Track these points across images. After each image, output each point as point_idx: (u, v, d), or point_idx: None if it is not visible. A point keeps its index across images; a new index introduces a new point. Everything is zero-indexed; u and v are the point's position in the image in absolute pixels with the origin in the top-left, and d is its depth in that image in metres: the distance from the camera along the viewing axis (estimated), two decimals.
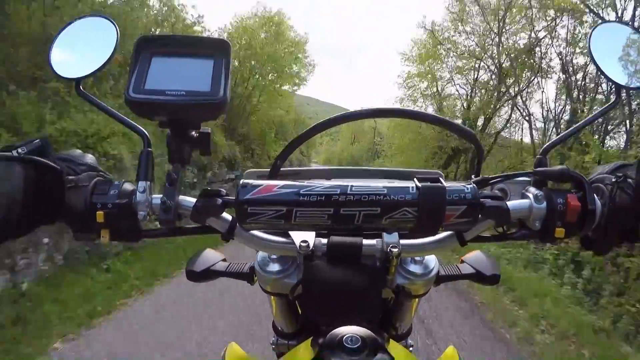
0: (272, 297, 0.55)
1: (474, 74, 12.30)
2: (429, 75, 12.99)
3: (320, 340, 0.38)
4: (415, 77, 13.33)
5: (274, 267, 0.51)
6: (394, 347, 0.43)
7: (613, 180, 0.46)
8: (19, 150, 0.43)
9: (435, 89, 13.23)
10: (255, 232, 0.48)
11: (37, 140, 0.45)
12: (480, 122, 11.72)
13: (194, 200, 0.46)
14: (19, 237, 0.44)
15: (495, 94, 11.19)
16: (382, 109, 0.52)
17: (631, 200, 0.44)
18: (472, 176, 0.50)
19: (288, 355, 0.48)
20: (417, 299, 0.55)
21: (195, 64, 0.47)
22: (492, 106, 11.15)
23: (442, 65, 12.81)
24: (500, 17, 10.51)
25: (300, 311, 0.57)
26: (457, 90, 12.93)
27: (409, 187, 0.41)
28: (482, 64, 11.70)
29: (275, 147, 12.95)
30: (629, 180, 0.45)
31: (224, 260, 0.60)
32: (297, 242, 0.47)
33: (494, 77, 11.42)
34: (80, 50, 0.56)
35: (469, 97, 12.55)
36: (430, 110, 12.87)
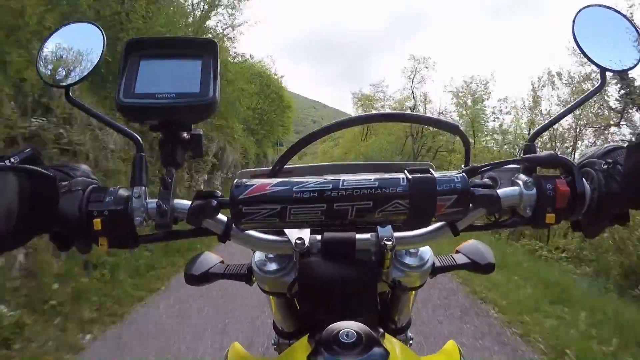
0: (271, 296, 0.55)
1: None
2: None
3: (316, 336, 0.39)
4: None
5: (271, 266, 0.52)
6: (389, 341, 0.43)
7: (603, 166, 0.46)
8: (11, 159, 0.43)
9: None
10: (251, 232, 0.49)
11: (28, 150, 0.45)
12: None
13: (189, 203, 0.46)
14: (15, 248, 0.45)
15: None
16: (373, 114, 0.54)
17: (621, 186, 0.44)
18: (462, 166, 0.50)
19: (286, 353, 0.48)
20: (414, 292, 0.56)
21: (184, 65, 0.47)
22: None
23: None
24: None
25: (299, 309, 0.58)
26: None
27: (399, 178, 0.41)
28: None
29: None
30: (619, 166, 0.45)
31: (222, 262, 0.60)
32: (293, 240, 0.47)
33: None
34: (68, 57, 0.56)
35: None
36: None
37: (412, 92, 21.42)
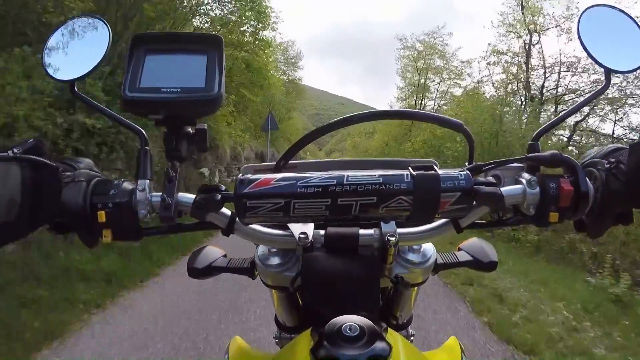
0: (274, 290, 0.55)
1: None
2: None
3: (319, 329, 0.39)
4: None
5: (274, 260, 0.52)
6: (392, 335, 0.43)
7: (606, 165, 0.46)
8: (15, 150, 0.43)
9: None
10: (255, 226, 0.49)
11: (32, 140, 0.45)
12: None
13: (193, 196, 0.46)
14: (18, 239, 0.45)
15: None
16: (374, 112, 0.55)
17: (624, 185, 0.44)
18: (466, 163, 0.51)
19: (289, 345, 0.49)
20: (416, 288, 0.56)
21: (189, 60, 0.47)
22: None
23: None
24: None
25: (301, 304, 0.58)
26: None
27: (403, 175, 0.42)
28: None
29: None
30: (621, 165, 0.45)
31: (225, 256, 0.60)
32: (296, 234, 0.48)
33: None
34: (73, 51, 0.56)
35: None
36: None
37: (526, 21, 11.71)
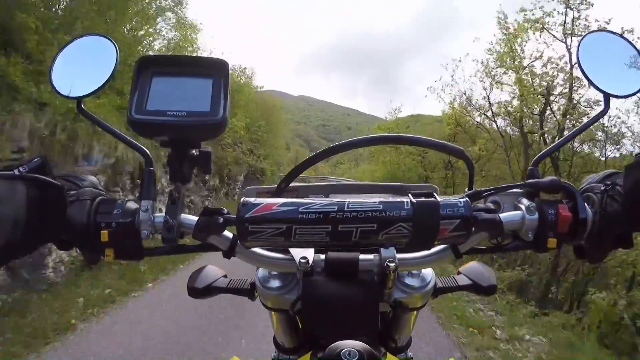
0: (273, 312, 0.55)
1: None
2: None
3: (319, 354, 0.39)
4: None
5: (275, 283, 0.52)
6: None
7: (602, 188, 0.47)
8: (20, 169, 0.43)
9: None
10: (256, 250, 0.49)
11: (37, 159, 0.45)
12: None
13: (195, 218, 0.47)
14: (22, 256, 0.45)
15: None
16: (372, 137, 0.54)
17: (621, 207, 0.44)
18: (466, 189, 0.51)
19: None
20: (415, 312, 0.56)
21: (195, 83, 0.47)
22: None
23: None
24: None
25: (300, 326, 0.58)
26: None
27: (403, 202, 0.42)
28: None
29: None
30: (618, 187, 0.45)
31: (225, 276, 0.60)
32: (297, 259, 0.48)
33: None
34: (81, 69, 0.57)
35: None
36: None
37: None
